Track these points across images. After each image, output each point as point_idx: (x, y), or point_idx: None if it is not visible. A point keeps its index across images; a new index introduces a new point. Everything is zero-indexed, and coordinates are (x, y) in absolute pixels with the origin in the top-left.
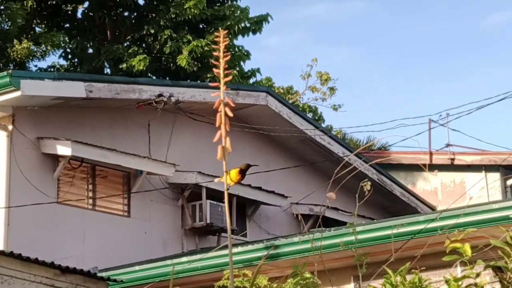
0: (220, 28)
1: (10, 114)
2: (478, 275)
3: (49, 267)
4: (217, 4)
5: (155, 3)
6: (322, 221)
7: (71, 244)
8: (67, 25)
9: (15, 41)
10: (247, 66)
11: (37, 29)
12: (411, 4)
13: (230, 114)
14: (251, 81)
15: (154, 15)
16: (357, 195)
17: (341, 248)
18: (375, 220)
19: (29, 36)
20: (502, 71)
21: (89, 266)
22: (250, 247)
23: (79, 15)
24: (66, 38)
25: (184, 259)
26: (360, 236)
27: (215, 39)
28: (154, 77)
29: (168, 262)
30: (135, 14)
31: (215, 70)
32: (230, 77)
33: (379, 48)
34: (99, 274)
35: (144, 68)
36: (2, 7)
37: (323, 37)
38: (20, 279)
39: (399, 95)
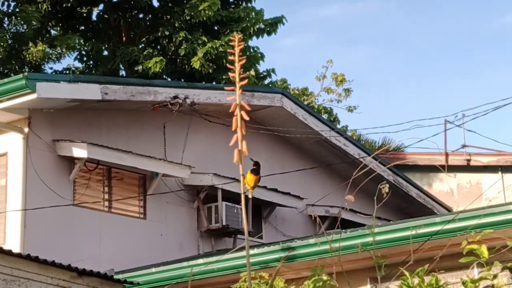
0: (235, 32)
1: (26, 116)
2: (495, 276)
3: (66, 270)
4: (232, 6)
5: (169, 4)
6: (339, 223)
7: (87, 246)
8: (82, 27)
9: (31, 43)
10: (262, 67)
11: (53, 31)
12: (425, 3)
13: (246, 117)
14: (266, 81)
15: (169, 17)
16: (375, 197)
17: (359, 250)
18: (391, 222)
19: (45, 38)
20: None
21: (105, 268)
22: (266, 249)
23: (94, 17)
24: (81, 41)
25: (200, 261)
26: (377, 238)
27: (230, 43)
28: (169, 79)
29: (184, 264)
30: (150, 16)
31: (230, 74)
32: (245, 81)
33: (394, 48)
34: (115, 277)
35: (160, 70)
36: (17, 10)
37: (337, 37)
38: (37, 281)
39: (415, 95)
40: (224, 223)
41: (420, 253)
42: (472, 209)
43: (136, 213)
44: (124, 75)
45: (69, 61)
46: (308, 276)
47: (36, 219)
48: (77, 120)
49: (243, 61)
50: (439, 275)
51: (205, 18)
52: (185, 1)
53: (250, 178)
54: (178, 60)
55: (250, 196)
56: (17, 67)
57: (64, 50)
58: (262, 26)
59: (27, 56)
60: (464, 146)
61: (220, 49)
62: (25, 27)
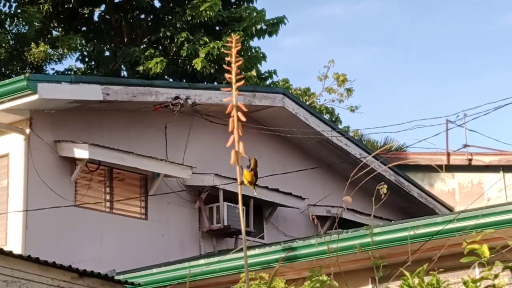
0: (233, 33)
1: (27, 117)
2: (496, 276)
3: (67, 271)
4: (233, 6)
5: (171, 5)
6: (340, 223)
7: (89, 247)
8: (84, 28)
9: (32, 44)
10: (263, 67)
11: (54, 32)
12: (428, 4)
13: (243, 118)
14: (268, 82)
15: (170, 17)
16: (373, 198)
17: (357, 250)
18: (392, 222)
19: (46, 39)
20: None
21: (106, 269)
22: (267, 249)
23: (95, 18)
24: (83, 41)
25: (202, 261)
26: (377, 238)
27: (228, 44)
28: (170, 80)
29: (186, 264)
30: (152, 16)
31: (227, 75)
32: (242, 82)
33: (396, 48)
34: (116, 277)
35: (161, 71)
36: (19, 11)
37: (340, 38)
38: (38, 282)
39: (416, 95)
40: (225, 224)
41: (421, 253)
42: (473, 209)
43: (137, 213)
44: (126, 76)
45: (71, 62)
46: (308, 277)
47: (37, 220)
48: (78, 121)
49: (240, 62)
50: (440, 275)
51: (206, 19)
52: (186, 2)
53: (246, 174)
54: (179, 60)
55: (255, 194)
56: (18, 68)
57: (65, 51)
58: (264, 27)
59: (28, 57)
60: (465, 146)
61: (222, 49)
62: (26, 28)
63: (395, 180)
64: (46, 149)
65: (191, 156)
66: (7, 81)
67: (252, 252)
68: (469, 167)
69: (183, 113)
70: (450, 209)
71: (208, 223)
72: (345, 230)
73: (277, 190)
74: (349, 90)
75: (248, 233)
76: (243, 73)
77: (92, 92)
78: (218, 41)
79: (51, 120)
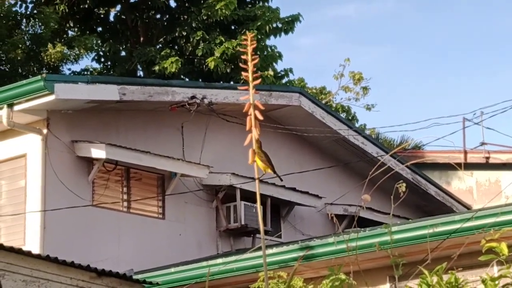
0: (247, 31)
1: (44, 118)
2: None
3: (85, 270)
4: (249, 6)
5: (186, 5)
6: (357, 222)
7: (106, 247)
8: (100, 28)
9: (49, 45)
10: (279, 66)
11: (70, 32)
12: (441, 2)
13: (260, 117)
14: (284, 81)
15: (186, 17)
16: (392, 196)
17: (376, 249)
18: (410, 220)
19: (62, 40)
20: None
21: (124, 268)
22: (285, 248)
23: (111, 18)
24: (99, 41)
25: (219, 260)
26: (395, 236)
27: (243, 42)
28: (187, 79)
29: (204, 263)
30: (167, 16)
31: (244, 73)
32: (259, 80)
33: (411, 46)
34: (134, 277)
35: (177, 71)
36: (35, 12)
37: (354, 37)
38: (57, 282)
39: (433, 93)
40: (243, 223)
41: (439, 251)
42: (491, 207)
43: (154, 213)
44: (142, 75)
45: (87, 62)
46: (326, 275)
47: (55, 220)
48: (95, 121)
49: (256, 60)
50: (458, 273)
51: (222, 18)
52: (202, 1)
53: (258, 162)
54: (195, 60)
55: (281, 179)
56: (35, 68)
57: (81, 51)
58: (279, 25)
59: (45, 57)
60: (482, 143)
61: (237, 48)
62: (42, 28)
63: (412, 178)
64: (63, 149)
65: (207, 156)
66: (24, 81)
67: (269, 251)
68: (486, 165)
69: (200, 112)
70: (468, 208)
71: (225, 222)
72: (362, 229)
73: (294, 189)
74: (365, 89)
75: (265, 232)
76: (259, 72)
77: (108, 92)
78: (234, 40)
79: (68, 120)
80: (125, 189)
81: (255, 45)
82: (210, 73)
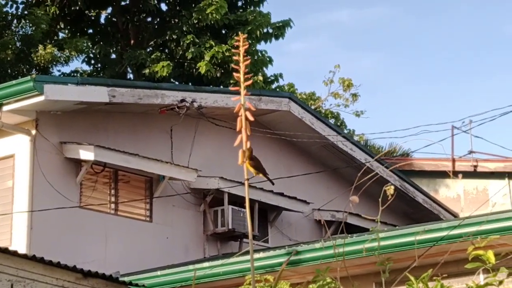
0: (240, 32)
1: (33, 118)
2: (501, 282)
3: (71, 271)
4: (240, 10)
5: (177, 8)
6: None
7: (93, 249)
8: (91, 30)
9: (40, 46)
10: (269, 71)
11: (61, 34)
12: (434, 9)
13: (251, 118)
14: (274, 86)
15: (176, 20)
16: (380, 199)
17: (363, 253)
18: (397, 227)
19: (53, 41)
20: None
21: (111, 270)
22: (271, 253)
23: (102, 20)
24: (89, 43)
25: (206, 264)
26: (382, 243)
27: (235, 43)
28: (176, 83)
29: (190, 267)
30: (158, 19)
31: (235, 74)
32: (250, 81)
33: (402, 53)
34: (121, 279)
35: (167, 75)
36: (26, 13)
37: (346, 43)
38: (43, 282)
39: (422, 101)
40: (230, 227)
41: (426, 259)
42: (478, 215)
43: (142, 216)
44: (132, 78)
45: (77, 64)
46: (313, 278)
47: (42, 221)
48: (84, 123)
49: (248, 61)
50: (444, 280)
51: (212, 22)
52: (193, 5)
53: (248, 166)
54: (185, 63)
55: (272, 184)
56: (25, 69)
57: (72, 53)
58: (270, 30)
59: (35, 58)
60: (471, 152)
61: (227, 53)
62: (33, 29)
63: (400, 185)
64: (52, 150)
65: (196, 159)
66: (13, 82)
67: (256, 255)
68: (474, 174)
69: (189, 116)
70: (455, 215)
71: (212, 226)
72: (350, 235)
73: (282, 194)
74: (354, 95)
75: (252, 237)
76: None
77: (98, 94)
78: (224, 45)
79: (57, 122)
80: (113, 191)
81: (247, 46)
82: (200, 77)
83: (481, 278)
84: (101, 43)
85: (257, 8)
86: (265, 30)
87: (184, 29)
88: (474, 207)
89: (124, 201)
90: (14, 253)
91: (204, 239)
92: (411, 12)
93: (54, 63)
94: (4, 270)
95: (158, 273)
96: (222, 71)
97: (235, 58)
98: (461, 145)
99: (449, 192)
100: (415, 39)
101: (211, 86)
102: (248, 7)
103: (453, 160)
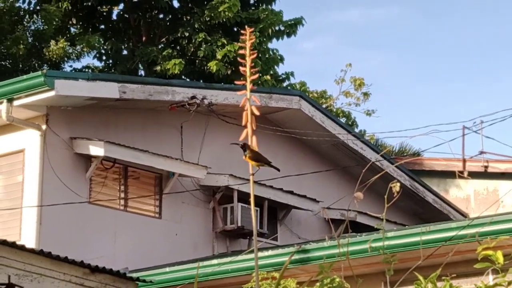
0: (246, 27)
1: (44, 113)
2: (510, 283)
3: (79, 266)
4: (252, 8)
5: (189, 5)
6: (354, 227)
7: (102, 244)
8: (102, 26)
9: (52, 41)
10: (281, 69)
11: (72, 29)
12: (446, 8)
13: (257, 112)
14: (285, 84)
15: (188, 17)
16: (385, 196)
17: (368, 251)
18: (406, 226)
19: (65, 37)
20: None
21: (119, 266)
22: (280, 250)
23: (114, 16)
24: (101, 40)
25: (214, 261)
26: (390, 242)
27: (242, 37)
28: (187, 80)
29: (199, 264)
30: (170, 16)
31: (241, 68)
32: (256, 75)
33: (413, 53)
34: (129, 275)
35: (179, 72)
36: (38, 8)
37: (357, 42)
38: (50, 277)
39: (433, 101)
40: (239, 224)
41: (435, 258)
42: (487, 216)
43: (151, 212)
44: (143, 75)
45: (88, 60)
46: (318, 273)
47: (51, 216)
48: (94, 118)
49: (254, 56)
50: (453, 280)
51: (224, 20)
52: (205, 2)
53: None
54: (196, 61)
55: (278, 170)
56: (36, 65)
57: (84, 49)
58: (282, 28)
59: (47, 54)
60: (481, 152)
61: (239, 51)
62: (45, 25)
63: (410, 185)
64: (62, 145)
65: (206, 156)
66: (24, 76)
67: (264, 253)
68: (485, 174)
69: (199, 113)
70: (465, 216)
71: (222, 223)
72: (358, 234)
73: (291, 192)
74: (365, 94)
75: (261, 235)
76: (260, 75)
77: (108, 89)
78: (236, 43)
79: (67, 117)
80: (122, 187)
81: (253, 40)
82: (211, 75)
83: (490, 279)
84: (113, 39)
85: (269, 6)
86: (276, 28)
87: (196, 26)
88: (484, 208)
89: (134, 197)
90: (22, 247)
91: (213, 236)
92: (422, 11)
93: (66, 58)
94: (11, 264)
95: (167, 269)
96: (233, 69)
97: (241, 51)
98: (472, 145)
99: (459, 193)
100: (425, 39)
101: (222, 84)
102: (260, 5)
103: (464, 160)
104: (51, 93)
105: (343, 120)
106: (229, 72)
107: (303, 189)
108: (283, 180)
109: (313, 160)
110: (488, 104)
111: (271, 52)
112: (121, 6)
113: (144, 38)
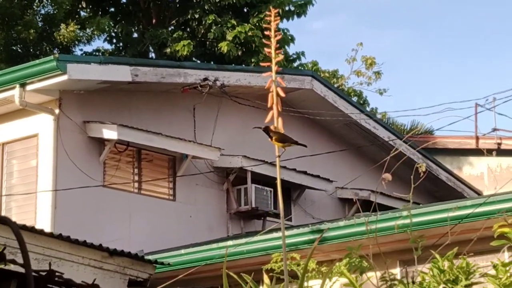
0: (271, 7)
1: (57, 98)
2: None
3: (97, 250)
4: None
5: None
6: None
7: (117, 228)
8: (112, 9)
9: (62, 25)
10: (291, 50)
11: (82, 13)
12: None
13: (282, 94)
14: (296, 64)
15: None
16: (411, 176)
17: (395, 230)
18: (427, 204)
19: (75, 20)
20: None
21: (135, 249)
22: (295, 231)
23: None
24: (111, 23)
25: (230, 242)
26: (408, 220)
27: (266, 18)
28: (198, 61)
29: (214, 245)
30: None
31: (266, 49)
32: (282, 57)
33: (425, 31)
34: (146, 257)
35: (188, 53)
36: None
37: (368, 20)
38: (69, 261)
39: (446, 79)
40: (253, 205)
41: (451, 236)
42: (503, 193)
43: (165, 194)
44: (153, 57)
45: (99, 43)
46: (346, 254)
47: (66, 200)
48: (107, 102)
49: (280, 37)
50: (469, 258)
51: (234, 1)
52: None
53: (274, 143)
54: (207, 43)
55: (305, 146)
56: (47, 49)
57: (94, 32)
58: (292, 8)
59: (57, 37)
60: (494, 129)
61: (250, 33)
62: (55, 9)
63: (424, 163)
64: (75, 129)
65: (219, 138)
66: (36, 61)
67: (280, 234)
68: (498, 151)
69: (212, 94)
70: (479, 193)
71: (236, 204)
72: (374, 213)
73: (305, 173)
74: (377, 73)
75: (275, 215)
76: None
77: (121, 73)
78: (246, 24)
79: (80, 101)
80: (136, 170)
81: (278, 21)
82: (222, 56)
83: (505, 256)
84: (123, 22)
85: None
86: (287, 8)
87: (206, 8)
88: (498, 185)
89: (148, 180)
90: (41, 232)
91: (227, 218)
92: None
93: (76, 42)
94: (31, 249)
95: (182, 251)
96: (244, 50)
97: (266, 33)
98: (485, 122)
99: (473, 170)
100: (438, 17)
101: (233, 65)
102: None
103: (477, 138)
104: (64, 77)
105: (354, 99)
106: (239, 53)
107: (316, 169)
108: (296, 160)
109: (326, 139)
110: (501, 81)
111: (281, 32)
112: None
113: (154, 21)
